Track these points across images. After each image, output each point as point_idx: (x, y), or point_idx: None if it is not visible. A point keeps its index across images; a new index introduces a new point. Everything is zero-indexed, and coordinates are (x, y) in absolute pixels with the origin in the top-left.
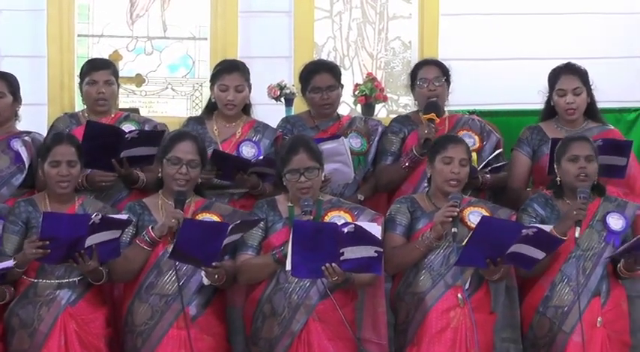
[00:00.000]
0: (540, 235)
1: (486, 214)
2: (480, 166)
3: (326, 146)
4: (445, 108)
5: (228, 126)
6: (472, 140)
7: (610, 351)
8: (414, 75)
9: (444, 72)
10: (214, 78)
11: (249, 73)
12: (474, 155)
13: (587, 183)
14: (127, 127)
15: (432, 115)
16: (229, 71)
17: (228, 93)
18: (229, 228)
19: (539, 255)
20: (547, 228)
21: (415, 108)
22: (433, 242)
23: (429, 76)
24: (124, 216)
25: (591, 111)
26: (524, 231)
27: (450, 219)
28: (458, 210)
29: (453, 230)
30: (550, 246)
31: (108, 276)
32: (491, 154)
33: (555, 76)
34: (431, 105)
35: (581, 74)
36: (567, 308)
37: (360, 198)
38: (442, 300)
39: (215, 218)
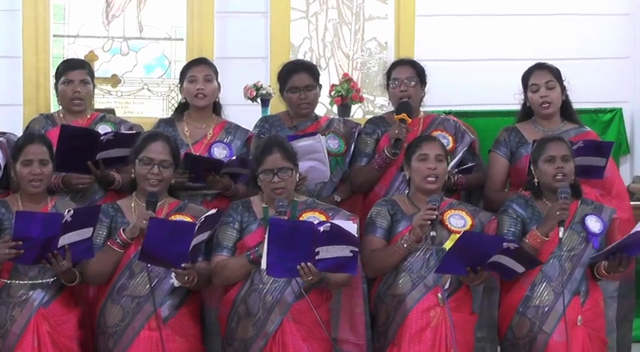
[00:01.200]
0: (521, 252)
1: (467, 217)
2: (450, 167)
3: (302, 143)
4: (421, 109)
5: (199, 127)
6: (445, 141)
7: (590, 350)
8: (388, 75)
9: (419, 72)
10: (182, 74)
11: (216, 70)
12: None
13: (565, 183)
14: (103, 128)
15: (404, 115)
16: (196, 64)
17: (197, 83)
18: (196, 226)
19: (518, 268)
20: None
21: (390, 109)
22: (412, 245)
23: (402, 76)
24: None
25: (567, 112)
26: (505, 244)
27: (429, 222)
28: (437, 213)
29: (432, 233)
30: (529, 263)
31: (81, 278)
32: (463, 155)
33: (528, 73)
34: (402, 105)
35: (552, 70)
36: (548, 308)
37: (336, 200)
38: (422, 301)
39: (188, 220)
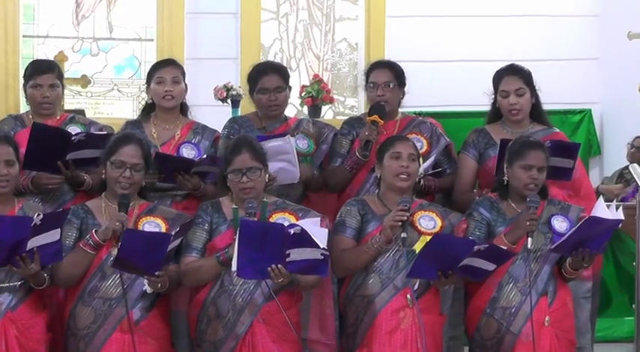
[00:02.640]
0: (492, 250)
1: (437, 218)
2: (421, 169)
3: (271, 144)
4: (400, 110)
5: (166, 128)
6: (420, 144)
7: (558, 350)
8: (366, 77)
9: (397, 74)
10: (150, 75)
11: (183, 70)
12: (420, 159)
13: (534, 192)
14: (73, 129)
15: (375, 117)
16: (164, 65)
17: (165, 85)
18: (171, 237)
19: (490, 267)
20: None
21: (364, 110)
22: (382, 245)
23: (379, 80)
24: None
25: (537, 114)
26: (476, 247)
27: (400, 223)
28: (407, 214)
29: (403, 235)
30: (501, 258)
31: (50, 280)
32: (438, 158)
33: (499, 77)
34: (375, 107)
35: (524, 75)
36: (515, 309)
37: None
38: (392, 302)
39: (159, 221)
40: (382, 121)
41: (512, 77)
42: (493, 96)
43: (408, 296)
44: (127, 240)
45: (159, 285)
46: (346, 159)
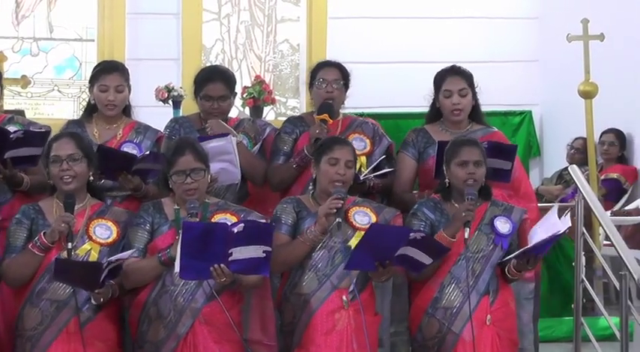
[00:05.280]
0: (427, 241)
1: (371, 214)
2: (367, 171)
3: (212, 144)
4: (340, 111)
5: (108, 128)
6: (363, 144)
7: (500, 349)
8: (313, 75)
9: (344, 75)
10: (93, 79)
11: (128, 74)
12: (363, 159)
13: (475, 188)
14: (11, 129)
15: (325, 116)
16: (109, 72)
17: (109, 94)
18: (105, 268)
19: (426, 260)
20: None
21: (305, 110)
22: (318, 236)
23: (329, 77)
24: None
25: (475, 114)
26: (412, 234)
27: (335, 210)
28: (342, 202)
29: (337, 220)
30: (437, 252)
31: None
32: (380, 158)
33: (441, 77)
34: (325, 106)
35: (466, 76)
36: (456, 309)
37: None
38: (327, 302)
39: (110, 224)
40: (331, 120)
41: (456, 77)
42: (433, 96)
43: (344, 297)
44: (58, 270)
45: (101, 299)
46: (293, 157)
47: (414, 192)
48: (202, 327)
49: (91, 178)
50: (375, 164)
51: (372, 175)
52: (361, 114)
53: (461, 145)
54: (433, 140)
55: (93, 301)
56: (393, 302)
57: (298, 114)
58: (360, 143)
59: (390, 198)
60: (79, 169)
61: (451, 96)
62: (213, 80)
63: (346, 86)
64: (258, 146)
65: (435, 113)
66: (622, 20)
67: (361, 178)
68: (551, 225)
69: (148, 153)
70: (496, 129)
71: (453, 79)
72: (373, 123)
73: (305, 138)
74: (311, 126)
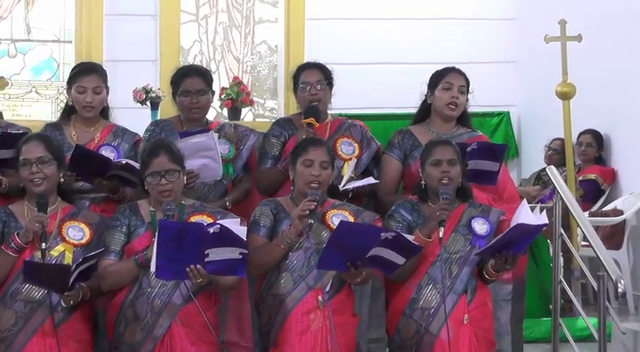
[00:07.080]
0: (399, 240)
1: (349, 217)
2: (345, 181)
3: (194, 140)
4: (328, 112)
5: (86, 130)
6: (351, 148)
7: (477, 348)
8: (295, 79)
9: (326, 75)
10: (71, 80)
11: (106, 76)
12: (346, 166)
13: (450, 187)
14: None
15: (311, 120)
16: (87, 73)
17: (87, 95)
18: (74, 270)
19: (399, 260)
20: (410, 237)
21: (283, 112)
22: (293, 239)
23: (311, 79)
24: None
25: (464, 118)
26: (383, 234)
27: (308, 212)
28: (315, 203)
29: (310, 221)
30: (409, 251)
31: None
32: (368, 162)
33: (443, 73)
34: (311, 109)
35: (466, 78)
36: (434, 310)
37: (227, 206)
38: (303, 302)
39: (82, 226)
40: (318, 124)
41: (458, 75)
42: (425, 93)
43: (320, 297)
44: (27, 273)
45: (71, 302)
46: (280, 161)
47: (400, 195)
48: (179, 329)
49: (62, 180)
50: (362, 169)
51: (351, 186)
52: (340, 115)
53: (435, 145)
54: (419, 142)
55: (63, 303)
56: (370, 307)
57: (277, 116)
58: (348, 147)
59: (374, 200)
60: (48, 172)
61: (451, 89)
62: (190, 75)
63: (330, 85)
64: (245, 152)
65: (424, 112)
66: (600, 21)
67: (341, 189)
68: (524, 217)
69: (124, 162)
70: (481, 133)
71: (455, 75)
72: (362, 125)
73: (294, 141)
74: (299, 130)
